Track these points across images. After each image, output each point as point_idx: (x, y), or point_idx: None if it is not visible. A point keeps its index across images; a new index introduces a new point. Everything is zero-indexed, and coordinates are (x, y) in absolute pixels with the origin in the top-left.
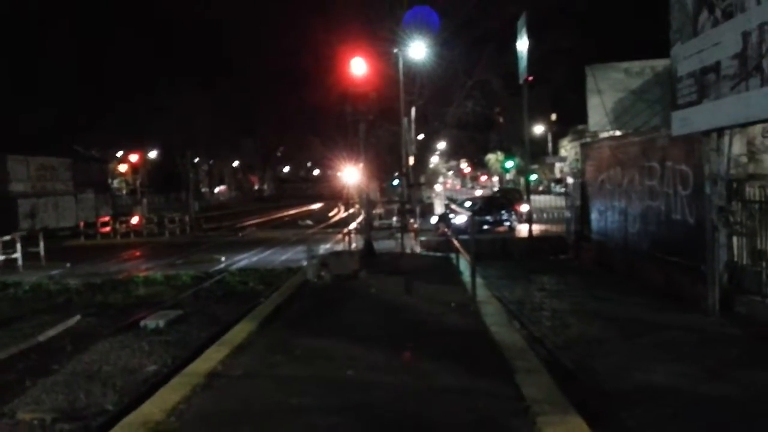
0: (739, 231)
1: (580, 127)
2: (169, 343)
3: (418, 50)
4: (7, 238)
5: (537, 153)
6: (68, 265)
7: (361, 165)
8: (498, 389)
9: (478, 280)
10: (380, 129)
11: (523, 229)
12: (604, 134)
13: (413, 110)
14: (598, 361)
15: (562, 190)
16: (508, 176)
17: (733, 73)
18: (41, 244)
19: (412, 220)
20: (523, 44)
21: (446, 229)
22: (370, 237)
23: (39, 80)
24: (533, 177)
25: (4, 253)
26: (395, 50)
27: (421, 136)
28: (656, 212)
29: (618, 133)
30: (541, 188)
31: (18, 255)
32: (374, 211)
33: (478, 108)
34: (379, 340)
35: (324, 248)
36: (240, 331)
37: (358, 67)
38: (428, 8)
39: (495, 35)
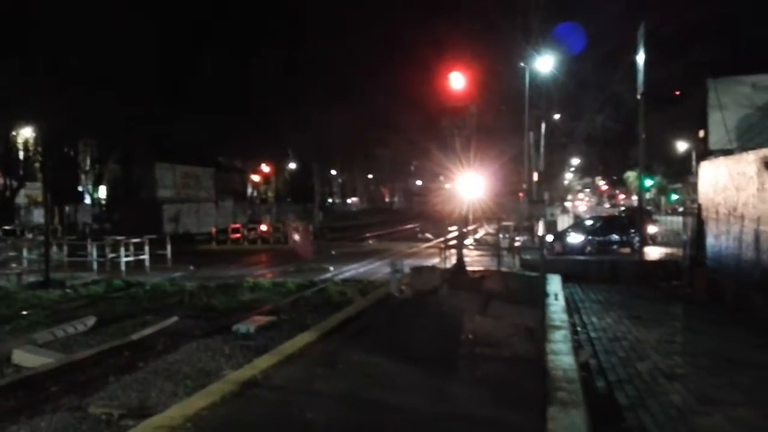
0: None
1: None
2: (251, 348)
3: (546, 64)
4: (136, 240)
5: (681, 172)
6: (191, 268)
7: (459, 180)
8: (523, 423)
9: (561, 304)
10: (503, 143)
11: (647, 251)
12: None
13: (543, 125)
14: (656, 399)
15: None
16: (648, 195)
17: None
18: (168, 247)
19: (518, 238)
20: (641, 57)
21: (561, 249)
22: (462, 253)
23: (188, 93)
24: (675, 197)
25: (135, 255)
26: (521, 64)
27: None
28: None
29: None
30: (681, 209)
31: (146, 257)
32: (485, 228)
33: (609, 123)
34: (424, 360)
35: (432, 262)
36: (298, 341)
37: (457, 81)
38: (577, 26)
39: (634, 48)
